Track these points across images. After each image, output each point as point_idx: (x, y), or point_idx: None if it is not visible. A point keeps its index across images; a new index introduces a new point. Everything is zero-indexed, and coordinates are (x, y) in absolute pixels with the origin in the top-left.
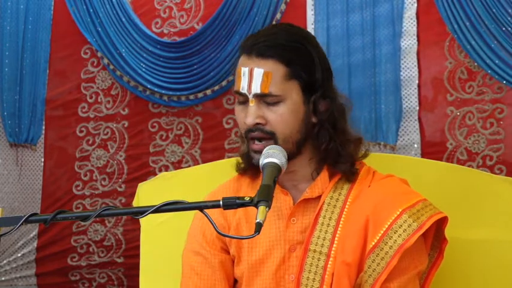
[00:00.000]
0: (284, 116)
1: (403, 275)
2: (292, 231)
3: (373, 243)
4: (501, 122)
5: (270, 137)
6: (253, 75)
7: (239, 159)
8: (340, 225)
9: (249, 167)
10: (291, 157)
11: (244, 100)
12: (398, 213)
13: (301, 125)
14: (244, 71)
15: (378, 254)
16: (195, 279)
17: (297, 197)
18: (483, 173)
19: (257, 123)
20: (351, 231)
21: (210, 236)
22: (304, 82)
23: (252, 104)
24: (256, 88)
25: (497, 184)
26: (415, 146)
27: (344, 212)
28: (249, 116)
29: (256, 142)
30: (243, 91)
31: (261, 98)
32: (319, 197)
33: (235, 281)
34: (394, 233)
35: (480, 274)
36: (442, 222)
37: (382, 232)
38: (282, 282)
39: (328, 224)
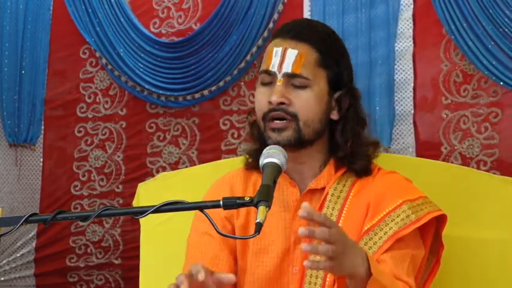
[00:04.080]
0: (309, 102)
1: (397, 250)
2: (298, 223)
3: (369, 225)
4: (496, 127)
5: (292, 119)
6: (286, 55)
7: (246, 156)
8: (342, 216)
9: (258, 164)
10: (303, 145)
11: (269, 80)
12: (398, 203)
13: (323, 116)
14: (276, 50)
15: (372, 238)
16: (199, 257)
17: (304, 189)
18: (482, 173)
19: (281, 103)
20: (352, 221)
21: (220, 219)
22: (332, 74)
23: (279, 83)
24: (287, 67)
25: (497, 184)
26: (410, 149)
27: (347, 204)
28: (275, 93)
29: (276, 121)
30: (272, 69)
31: (290, 78)
32: (324, 188)
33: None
34: (391, 220)
35: (479, 273)
36: (441, 223)
37: (379, 217)
38: (285, 273)
39: (331, 214)
